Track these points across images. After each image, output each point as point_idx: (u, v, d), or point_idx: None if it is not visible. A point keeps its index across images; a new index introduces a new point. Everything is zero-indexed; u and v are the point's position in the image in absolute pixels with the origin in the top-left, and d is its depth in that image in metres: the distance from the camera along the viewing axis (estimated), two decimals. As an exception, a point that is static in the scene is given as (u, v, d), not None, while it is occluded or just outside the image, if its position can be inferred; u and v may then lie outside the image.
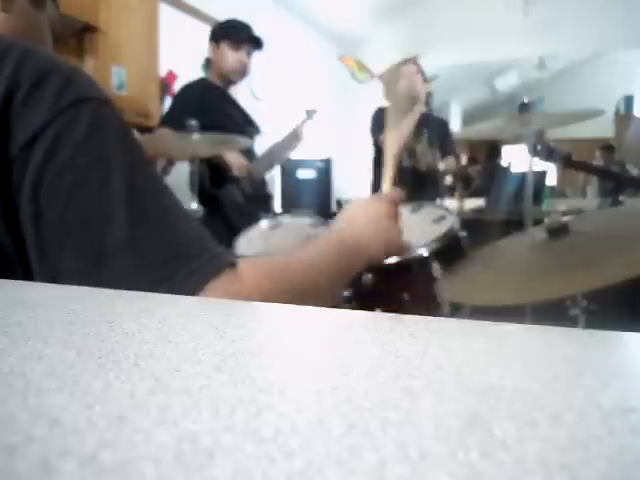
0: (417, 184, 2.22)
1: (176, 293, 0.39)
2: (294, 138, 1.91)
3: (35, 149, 0.40)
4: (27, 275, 0.41)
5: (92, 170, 0.41)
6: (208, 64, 1.92)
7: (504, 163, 3.41)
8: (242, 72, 1.89)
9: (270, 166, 2.05)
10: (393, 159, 0.80)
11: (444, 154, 2.28)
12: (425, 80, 2.30)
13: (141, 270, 0.40)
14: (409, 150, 2.26)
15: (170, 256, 0.41)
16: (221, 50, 1.85)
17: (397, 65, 2.42)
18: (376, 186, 2.41)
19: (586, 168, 2.27)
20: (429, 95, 2.30)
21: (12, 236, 0.41)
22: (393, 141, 0.82)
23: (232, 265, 0.44)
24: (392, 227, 0.67)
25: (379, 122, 2.29)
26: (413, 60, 2.42)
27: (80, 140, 0.41)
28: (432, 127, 2.25)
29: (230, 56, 1.84)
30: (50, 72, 0.42)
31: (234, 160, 1.76)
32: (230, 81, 1.90)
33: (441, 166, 2.28)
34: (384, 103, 2.42)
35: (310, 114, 1.94)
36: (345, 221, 0.66)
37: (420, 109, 2.21)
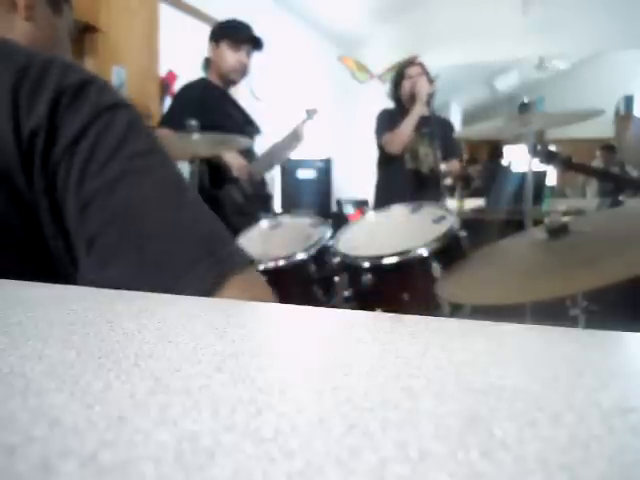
0: (419, 185, 2.23)
1: (211, 273, 0.42)
2: (294, 138, 1.91)
3: (80, 146, 0.44)
4: (69, 275, 0.45)
5: (130, 164, 0.45)
6: (207, 64, 1.92)
7: (505, 163, 3.41)
8: (242, 72, 1.89)
9: (270, 166, 2.05)
10: None
11: (446, 155, 2.28)
12: (430, 81, 2.30)
13: (181, 248, 0.43)
14: (412, 152, 2.26)
15: (208, 238, 0.45)
16: (221, 50, 1.85)
17: (401, 66, 2.42)
18: (379, 189, 2.41)
19: (585, 170, 2.28)
20: (431, 96, 2.29)
21: (63, 237, 0.44)
22: None
23: (241, 267, 0.46)
24: None
25: (383, 123, 2.29)
26: (418, 61, 2.43)
27: (119, 137, 0.45)
28: (434, 128, 2.25)
29: (230, 56, 1.84)
30: (88, 82, 0.47)
31: (234, 161, 1.76)
32: (230, 81, 1.90)
33: (443, 167, 2.27)
34: (384, 103, 2.43)
35: (310, 114, 1.94)
36: None
37: (422, 109, 2.21)
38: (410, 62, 2.43)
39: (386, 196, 2.13)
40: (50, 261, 0.45)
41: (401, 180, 2.24)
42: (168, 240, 0.43)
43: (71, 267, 0.45)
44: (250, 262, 0.46)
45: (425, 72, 2.31)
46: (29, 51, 0.49)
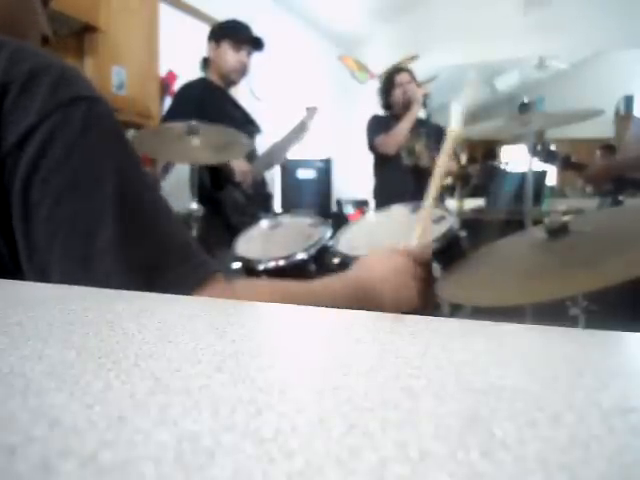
0: (419, 180, 2.23)
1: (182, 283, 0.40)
2: (300, 129, 1.91)
3: (26, 148, 0.40)
4: (17, 275, 0.41)
5: (83, 171, 0.41)
6: (206, 64, 1.91)
7: (502, 164, 3.41)
8: (242, 72, 1.89)
9: (270, 165, 2.05)
10: (425, 212, 0.78)
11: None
12: (418, 85, 2.33)
13: (127, 273, 0.40)
14: (409, 149, 2.26)
15: (158, 261, 0.41)
16: (222, 50, 1.85)
17: (389, 74, 2.44)
18: (378, 191, 2.41)
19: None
20: (426, 97, 2.31)
21: (4, 238, 0.41)
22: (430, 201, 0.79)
23: (217, 274, 0.44)
24: (408, 284, 0.65)
25: (375, 127, 2.31)
26: (405, 68, 2.45)
27: (72, 140, 0.40)
28: (429, 130, 2.26)
29: (231, 56, 1.85)
30: (42, 71, 0.41)
31: (237, 165, 1.75)
32: (230, 81, 1.90)
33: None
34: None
35: (310, 112, 1.94)
36: (364, 268, 0.65)
37: (416, 112, 2.23)
38: (398, 69, 2.45)
39: (386, 196, 2.13)
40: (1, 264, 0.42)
41: (400, 177, 2.25)
42: (116, 259, 0.40)
43: (11, 266, 0.41)
44: (213, 273, 0.44)
45: (413, 77, 2.34)
46: None
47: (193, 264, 0.43)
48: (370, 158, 2.45)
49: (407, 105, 2.25)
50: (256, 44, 1.90)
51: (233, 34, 1.86)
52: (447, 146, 0.82)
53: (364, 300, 0.60)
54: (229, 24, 1.91)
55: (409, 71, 2.38)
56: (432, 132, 2.25)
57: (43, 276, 0.40)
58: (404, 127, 2.20)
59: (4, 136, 0.40)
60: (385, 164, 2.31)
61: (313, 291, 0.56)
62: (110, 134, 0.43)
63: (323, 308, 0.24)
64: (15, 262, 0.41)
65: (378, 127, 2.29)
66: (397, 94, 2.30)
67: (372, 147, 2.33)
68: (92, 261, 0.39)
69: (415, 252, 0.69)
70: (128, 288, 0.39)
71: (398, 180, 2.25)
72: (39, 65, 0.42)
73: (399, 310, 0.65)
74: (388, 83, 2.37)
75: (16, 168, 0.40)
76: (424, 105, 2.28)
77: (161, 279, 0.41)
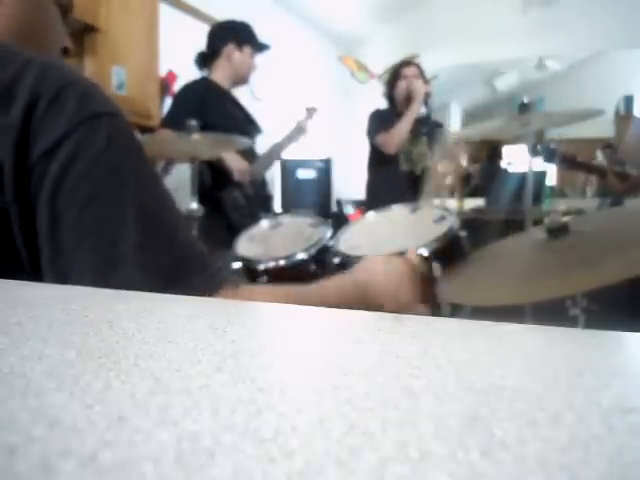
0: (412, 187, 2.22)
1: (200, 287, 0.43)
2: (298, 132, 1.92)
3: (54, 159, 0.42)
4: (33, 277, 0.43)
5: (108, 181, 0.43)
6: (206, 62, 1.90)
7: (504, 164, 3.41)
8: (250, 76, 1.92)
9: (270, 164, 2.05)
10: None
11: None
12: (425, 82, 2.30)
13: (146, 279, 0.42)
14: (406, 153, 2.25)
15: (177, 268, 0.44)
16: (244, 54, 1.86)
17: (397, 66, 2.42)
18: (371, 188, 2.40)
19: (589, 169, 2.28)
20: (428, 96, 2.29)
21: (25, 239, 0.43)
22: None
23: (229, 282, 0.47)
24: (408, 288, 0.67)
25: (376, 123, 2.29)
26: (415, 61, 2.42)
27: (97, 152, 0.43)
28: (430, 129, 2.25)
29: (250, 61, 1.87)
30: (69, 87, 0.44)
31: (235, 164, 1.75)
32: (238, 83, 1.91)
33: (440, 168, 2.27)
34: (384, 103, 2.42)
35: (310, 112, 1.94)
36: (364, 270, 0.67)
37: (418, 109, 2.21)
38: (407, 62, 2.42)
39: (379, 197, 2.12)
40: (19, 264, 0.43)
41: (394, 181, 2.23)
42: (137, 265, 0.42)
43: (29, 268, 0.43)
44: (227, 281, 0.46)
45: (421, 72, 2.31)
46: (5, 48, 0.46)
47: (209, 273, 0.46)
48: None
49: (409, 100, 2.23)
50: (261, 49, 1.93)
51: (254, 40, 1.88)
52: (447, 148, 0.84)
53: (363, 299, 0.61)
54: (250, 28, 1.91)
55: (417, 65, 2.35)
56: (433, 131, 2.25)
57: (65, 280, 0.42)
58: (404, 127, 2.19)
59: (33, 147, 0.42)
60: (382, 164, 2.30)
61: (317, 294, 0.57)
62: (131, 148, 0.46)
63: (323, 308, 0.24)
64: (33, 265, 0.43)
65: (379, 122, 2.27)
66: (401, 86, 2.27)
67: (372, 144, 2.32)
68: (115, 267, 0.42)
69: (415, 259, 0.71)
70: (148, 291, 0.41)
71: (392, 182, 2.23)
72: (66, 81, 0.44)
73: (397, 311, 0.66)
74: (394, 75, 2.35)
75: (43, 178, 0.42)
76: (425, 104, 2.27)
77: (179, 286, 0.43)
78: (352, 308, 0.59)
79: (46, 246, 0.42)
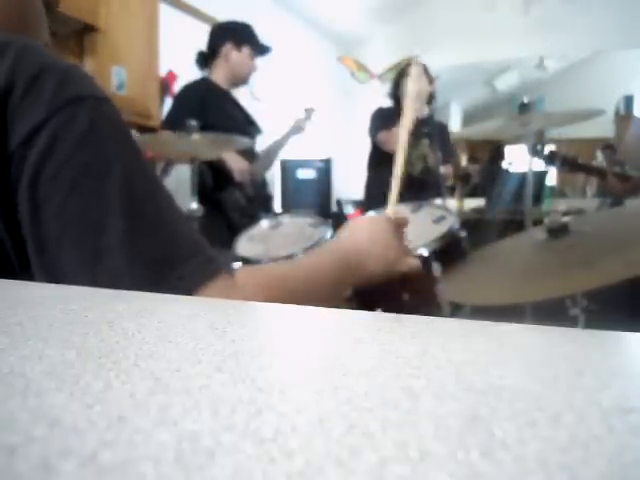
0: (409, 188, 2.21)
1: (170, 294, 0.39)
2: (295, 131, 1.92)
3: (33, 146, 0.40)
4: (23, 272, 0.41)
5: (90, 167, 0.41)
6: (206, 62, 1.90)
7: (505, 165, 3.41)
8: (249, 76, 1.92)
9: (270, 164, 2.05)
10: (397, 180, 0.80)
11: (442, 158, 2.27)
12: (430, 81, 2.29)
13: (135, 269, 0.40)
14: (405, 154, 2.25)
15: (165, 257, 0.42)
16: (243, 54, 1.86)
17: (400, 66, 2.42)
18: (371, 188, 2.40)
19: (589, 170, 2.28)
20: (432, 96, 2.29)
21: (9, 233, 0.41)
22: (399, 161, 0.83)
23: (226, 269, 0.44)
24: (395, 245, 0.65)
25: (378, 122, 2.28)
26: (419, 60, 2.41)
27: (79, 137, 0.41)
28: (433, 130, 2.24)
29: (249, 61, 1.86)
30: (47, 69, 0.41)
31: (236, 165, 1.75)
32: (237, 83, 1.91)
33: (441, 170, 2.27)
34: (384, 103, 2.42)
35: (308, 113, 1.95)
36: (348, 235, 0.65)
37: (421, 109, 2.20)
38: (410, 62, 2.41)
39: (378, 197, 2.11)
40: (8, 262, 0.42)
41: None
42: (125, 255, 0.40)
43: (17, 263, 0.41)
44: (222, 268, 0.44)
45: (426, 72, 2.30)
46: None
47: (202, 259, 0.43)
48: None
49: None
50: (262, 52, 1.93)
51: (255, 41, 1.88)
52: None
53: (352, 264, 0.59)
54: (250, 29, 1.91)
55: (423, 65, 2.35)
56: (435, 131, 2.24)
57: (53, 271, 0.40)
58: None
59: (11, 133, 0.40)
60: (382, 162, 2.30)
61: (310, 268, 0.56)
62: (116, 131, 0.44)
63: (323, 308, 0.24)
64: (21, 261, 0.41)
65: (381, 121, 2.26)
66: (404, 84, 2.27)
67: (373, 143, 2.31)
68: (102, 255, 0.40)
69: (392, 215, 0.71)
70: (138, 282, 0.39)
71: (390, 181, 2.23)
72: (45, 64, 0.42)
73: (390, 270, 0.65)
74: (401, 73, 2.34)
75: (23, 165, 0.40)
76: (429, 103, 2.26)
77: (171, 273, 0.41)
78: (345, 274, 0.59)
79: (30, 239, 0.40)
